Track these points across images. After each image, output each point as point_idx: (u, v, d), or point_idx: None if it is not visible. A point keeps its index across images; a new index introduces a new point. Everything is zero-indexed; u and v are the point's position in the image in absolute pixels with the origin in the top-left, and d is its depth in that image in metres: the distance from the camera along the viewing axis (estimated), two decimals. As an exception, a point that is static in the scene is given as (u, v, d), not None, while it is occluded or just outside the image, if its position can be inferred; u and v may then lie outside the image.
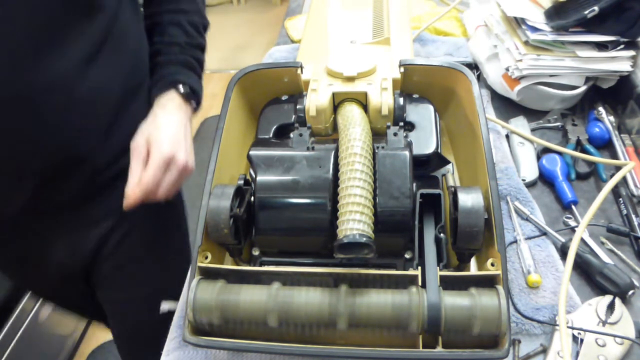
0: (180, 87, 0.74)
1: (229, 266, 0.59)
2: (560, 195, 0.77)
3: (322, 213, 0.54)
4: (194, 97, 0.75)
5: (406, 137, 0.60)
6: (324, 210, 0.54)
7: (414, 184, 0.55)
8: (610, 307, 0.60)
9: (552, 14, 0.88)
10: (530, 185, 0.80)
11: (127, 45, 0.72)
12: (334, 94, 0.62)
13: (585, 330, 0.58)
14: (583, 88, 0.90)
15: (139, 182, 0.63)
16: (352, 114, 0.58)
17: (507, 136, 0.88)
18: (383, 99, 0.60)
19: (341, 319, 0.48)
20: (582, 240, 0.69)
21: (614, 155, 0.82)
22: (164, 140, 0.66)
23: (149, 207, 0.67)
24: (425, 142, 0.62)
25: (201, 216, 0.56)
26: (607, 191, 0.69)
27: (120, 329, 0.95)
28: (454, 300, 0.48)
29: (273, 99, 0.68)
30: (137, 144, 0.66)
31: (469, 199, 0.51)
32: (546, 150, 0.83)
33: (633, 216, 0.71)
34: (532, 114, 0.93)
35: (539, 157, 0.83)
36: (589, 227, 0.71)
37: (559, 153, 0.82)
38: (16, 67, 0.57)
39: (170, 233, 0.90)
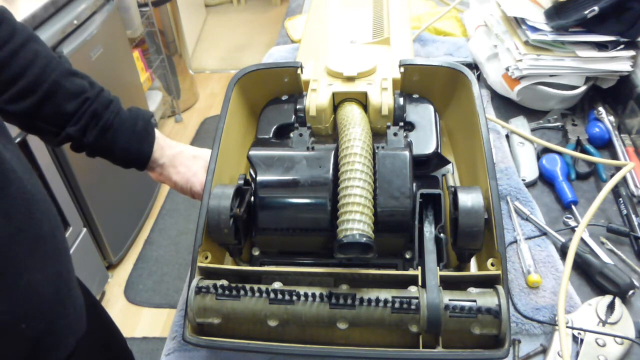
0: (153, 121, 0.72)
1: (229, 266, 0.59)
2: (560, 195, 0.77)
3: (322, 213, 0.54)
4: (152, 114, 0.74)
5: (406, 137, 0.60)
6: (324, 210, 0.54)
7: (414, 184, 0.55)
8: (610, 307, 0.60)
9: (552, 13, 0.88)
10: (530, 185, 0.80)
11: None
12: (334, 94, 0.62)
13: (585, 330, 0.58)
14: (583, 88, 0.90)
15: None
16: (352, 114, 0.58)
17: (507, 136, 0.88)
18: (383, 99, 0.60)
19: (341, 319, 0.48)
20: (582, 240, 0.69)
21: (614, 155, 0.82)
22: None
23: None
24: (425, 142, 0.62)
25: (201, 216, 0.56)
26: (607, 191, 0.69)
27: None
28: (453, 300, 0.48)
29: (273, 99, 0.68)
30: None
31: (469, 199, 0.51)
32: (546, 150, 0.83)
33: (633, 216, 0.71)
34: (532, 114, 0.93)
35: (539, 157, 0.83)
36: (589, 227, 0.71)
37: (559, 153, 0.82)
38: None
39: None
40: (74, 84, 0.65)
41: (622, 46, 0.86)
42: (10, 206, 0.49)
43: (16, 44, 0.61)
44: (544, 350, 0.59)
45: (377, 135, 0.59)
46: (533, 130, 0.89)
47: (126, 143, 0.68)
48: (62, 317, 0.56)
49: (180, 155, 0.71)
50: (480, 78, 1.01)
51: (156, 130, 0.71)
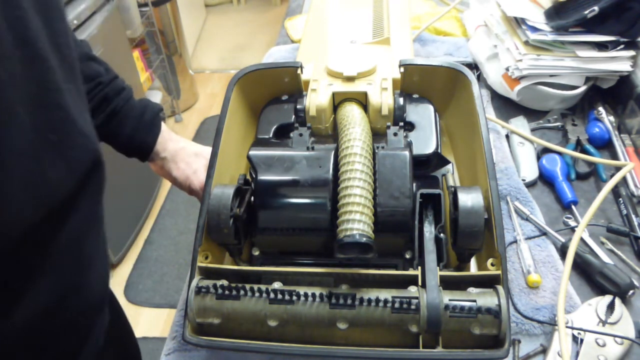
0: (161, 115, 0.73)
1: (229, 266, 0.59)
2: (560, 195, 0.77)
3: (322, 213, 0.54)
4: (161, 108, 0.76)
5: (406, 137, 0.60)
6: (324, 210, 0.54)
7: (414, 184, 0.55)
8: (610, 307, 0.60)
9: (552, 14, 0.88)
10: (530, 185, 0.80)
11: None
12: (334, 94, 0.62)
13: (585, 330, 0.58)
14: (583, 88, 0.90)
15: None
16: (352, 114, 0.58)
17: (507, 136, 0.88)
18: (383, 99, 0.60)
19: (341, 319, 0.48)
20: (582, 240, 0.69)
21: (614, 156, 0.82)
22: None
23: None
24: (425, 142, 0.62)
25: (201, 216, 0.56)
26: (607, 191, 0.69)
27: None
28: (453, 300, 0.48)
29: (273, 99, 0.68)
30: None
31: (469, 199, 0.51)
32: (546, 150, 0.83)
33: (633, 216, 0.71)
34: (532, 114, 0.93)
35: (539, 157, 0.83)
36: (589, 227, 0.71)
37: (559, 153, 0.82)
38: None
39: None
40: (90, 68, 0.67)
41: (622, 46, 0.86)
42: (95, 207, 0.52)
43: None
44: (544, 350, 0.59)
45: (377, 135, 0.59)
46: (533, 130, 0.89)
47: (131, 131, 0.69)
48: (101, 312, 0.58)
49: (182, 151, 0.72)
50: (480, 78, 1.01)
51: (163, 124, 0.72)
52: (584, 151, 0.83)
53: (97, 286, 0.55)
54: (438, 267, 0.51)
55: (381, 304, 0.48)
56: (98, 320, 0.57)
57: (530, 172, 0.81)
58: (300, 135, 0.60)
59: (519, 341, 0.59)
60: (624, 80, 0.89)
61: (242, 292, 0.50)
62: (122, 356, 0.76)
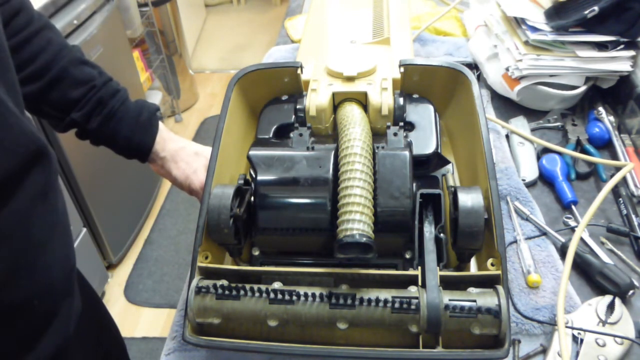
0: (158, 114, 0.73)
1: (229, 266, 0.59)
2: (560, 195, 0.77)
3: (322, 213, 0.54)
4: (158, 108, 0.75)
5: (406, 137, 0.61)
6: (324, 210, 0.54)
7: (414, 184, 0.55)
8: (610, 307, 0.60)
9: (552, 14, 0.88)
10: (530, 185, 0.80)
11: None
12: (334, 94, 0.62)
13: (585, 330, 0.58)
14: (583, 88, 0.90)
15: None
16: (352, 113, 0.58)
17: (507, 136, 0.88)
18: (383, 99, 0.60)
19: (341, 319, 0.48)
20: (582, 240, 0.69)
21: (614, 155, 0.82)
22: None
23: None
24: (425, 142, 0.62)
25: (201, 216, 0.56)
26: (607, 191, 0.69)
27: None
28: (453, 300, 0.48)
29: (273, 99, 0.68)
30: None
31: (469, 199, 0.51)
32: (546, 150, 0.83)
33: (633, 216, 0.71)
34: (532, 114, 0.93)
35: (539, 157, 0.83)
36: (589, 227, 0.71)
37: (559, 153, 0.82)
38: None
39: None
40: (83, 72, 0.67)
41: (622, 46, 0.86)
42: (41, 192, 0.51)
43: (31, 32, 0.63)
44: (544, 350, 0.59)
45: (377, 135, 0.59)
46: (533, 130, 0.89)
47: (129, 132, 0.69)
48: (66, 298, 0.58)
49: (182, 150, 0.72)
50: (480, 78, 1.01)
51: (160, 124, 0.72)
52: (584, 151, 0.83)
53: (56, 270, 0.55)
54: (438, 267, 0.51)
55: (381, 304, 0.48)
56: (63, 307, 0.57)
57: (530, 172, 0.81)
58: (300, 135, 0.60)
59: (519, 341, 0.59)
60: (624, 80, 0.89)
61: (242, 292, 0.50)
62: (101, 350, 0.76)
